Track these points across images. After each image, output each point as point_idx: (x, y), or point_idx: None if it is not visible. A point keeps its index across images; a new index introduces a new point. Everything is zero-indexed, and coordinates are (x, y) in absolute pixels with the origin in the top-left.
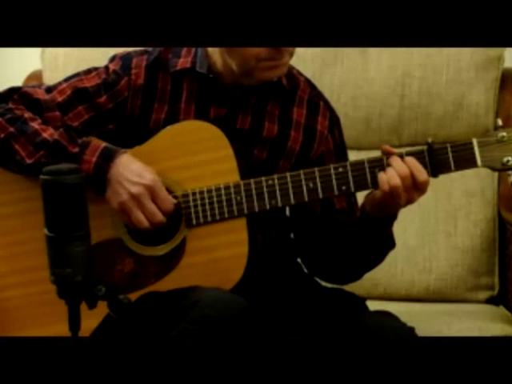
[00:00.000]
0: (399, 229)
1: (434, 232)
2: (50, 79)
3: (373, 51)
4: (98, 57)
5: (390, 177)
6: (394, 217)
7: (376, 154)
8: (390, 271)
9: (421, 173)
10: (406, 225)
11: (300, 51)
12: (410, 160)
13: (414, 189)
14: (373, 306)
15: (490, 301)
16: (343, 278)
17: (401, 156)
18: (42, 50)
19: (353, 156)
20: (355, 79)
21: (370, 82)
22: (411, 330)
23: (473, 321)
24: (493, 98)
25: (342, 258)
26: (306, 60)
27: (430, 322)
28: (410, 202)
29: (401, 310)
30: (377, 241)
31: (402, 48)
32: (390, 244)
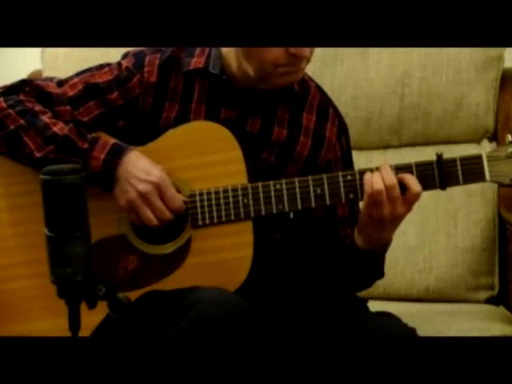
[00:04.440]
0: (399, 229)
1: (434, 232)
2: None
3: (373, 51)
4: (98, 57)
5: (375, 180)
6: (381, 249)
7: (376, 153)
8: (390, 271)
9: (414, 185)
10: (406, 225)
11: None
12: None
13: (400, 201)
14: (373, 306)
15: (490, 301)
16: (338, 289)
17: (409, 167)
18: (42, 50)
19: (353, 156)
20: (355, 79)
21: (370, 82)
22: (412, 331)
23: (473, 321)
24: (493, 98)
25: (327, 274)
26: None
27: (430, 322)
28: (395, 216)
29: (401, 310)
30: (362, 271)
31: (402, 48)
32: (378, 274)
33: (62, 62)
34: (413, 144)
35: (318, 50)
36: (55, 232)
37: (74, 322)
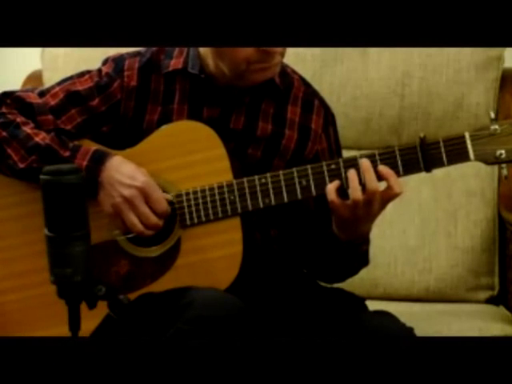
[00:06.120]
0: (399, 229)
1: (434, 232)
2: (50, 79)
3: (373, 51)
4: (98, 57)
5: (352, 189)
6: (359, 240)
7: None
8: (390, 271)
9: (397, 186)
10: (406, 225)
11: (300, 51)
12: (385, 171)
13: (377, 201)
14: (373, 305)
15: (490, 301)
16: (325, 277)
17: (392, 152)
18: (42, 50)
19: None
20: (355, 79)
21: (370, 82)
22: (410, 330)
23: (473, 321)
24: (493, 98)
25: (314, 261)
26: (306, 60)
27: (430, 321)
28: (370, 215)
29: (401, 310)
30: (343, 259)
31: (402, 48)
32: (362, 262)
33: (61, 62)
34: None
35: (317, 50)
36: (55, 232)
37: (74, 322)
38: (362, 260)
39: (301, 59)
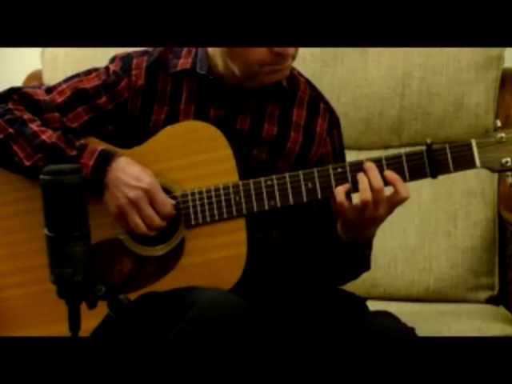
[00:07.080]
0: (399, 229)
1: (434, 232)
2: (50, 79)
3: (373, 51)
4: (98, 57)
5: (362, 190)
6: (363, 243)
7: (376, 153)
8: (390, 271)
9: (403, 191)
10: (406, 225)
11: (300, 51)
12: (391, 176)
13: (384, 203)
14: (373, 306)
15: (490, 301)
16: (325, 280)
17: (399, 157)
18: (42, 50)
19: (353, 156)
20: (355, 79)
21: (370, 82)
22: (411, 330)
23: (473, 321)
24: (493, 98)
25: (315, 263)
26: (306, 60)
27: (430, 322)
28: (376, 218)
29: (401, 310)
30: (345, 262)
31: (402, 48)
32: (364, 267)
33: (61, 62)
34: (413, 144)
35: (317, 50)
36: (55, 232)
37: (74, 322)
38: (363, 264)
39: (301, 59)
